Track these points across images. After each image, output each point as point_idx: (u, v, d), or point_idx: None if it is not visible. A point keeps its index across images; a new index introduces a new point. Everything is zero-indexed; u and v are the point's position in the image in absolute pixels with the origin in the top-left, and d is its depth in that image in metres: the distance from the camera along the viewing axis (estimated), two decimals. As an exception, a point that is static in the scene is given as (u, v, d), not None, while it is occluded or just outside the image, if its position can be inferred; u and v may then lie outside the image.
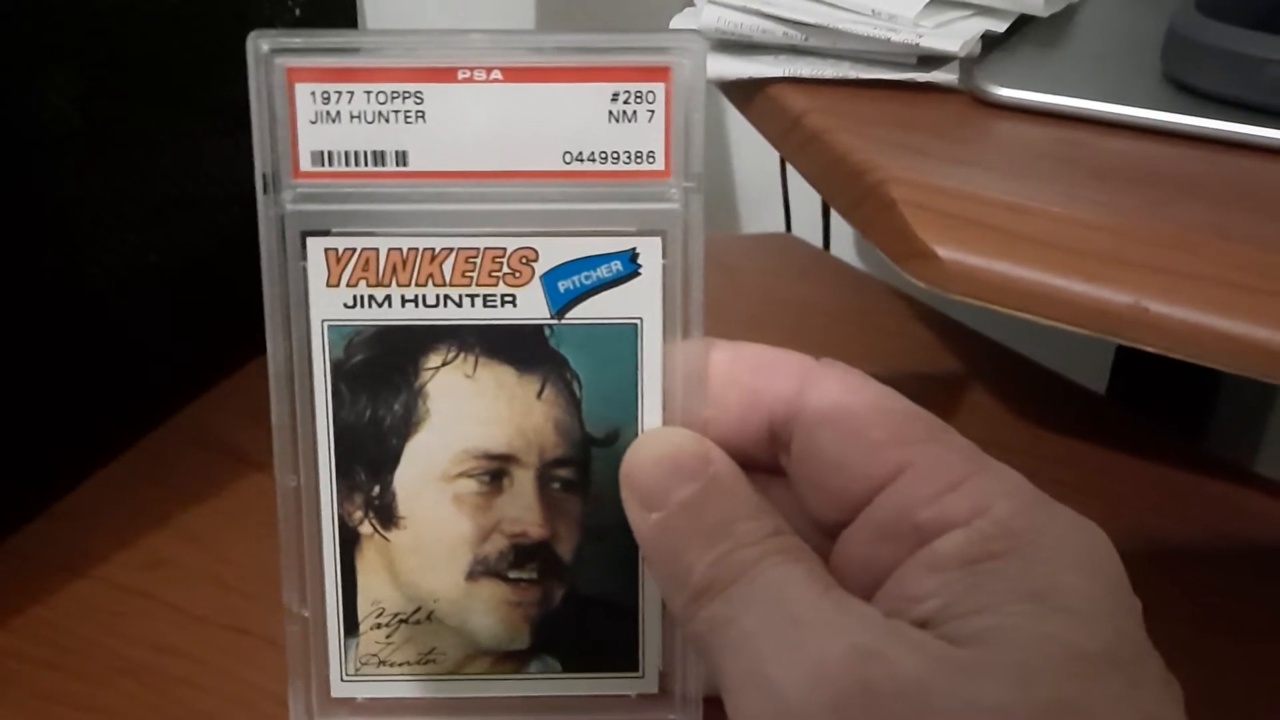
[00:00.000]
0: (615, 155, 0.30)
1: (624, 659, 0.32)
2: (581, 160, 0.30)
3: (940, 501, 0.28)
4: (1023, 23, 0.58)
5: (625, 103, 0.29)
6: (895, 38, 0.54)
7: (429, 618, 0.32)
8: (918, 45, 0.54)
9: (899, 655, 0.26)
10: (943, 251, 0.44)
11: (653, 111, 0.29)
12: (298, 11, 0.71)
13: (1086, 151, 0.50)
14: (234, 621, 0.60)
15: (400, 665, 0.32)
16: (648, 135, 0.29)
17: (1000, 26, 0.57)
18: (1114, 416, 0.77)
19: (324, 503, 0.31)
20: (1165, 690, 0.27)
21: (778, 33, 0.57)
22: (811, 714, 0.25)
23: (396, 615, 0.32)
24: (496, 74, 0.29)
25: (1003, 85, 0.53)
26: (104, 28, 0.62)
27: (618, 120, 0.29)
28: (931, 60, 0.55)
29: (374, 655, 0.32)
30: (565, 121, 0.29)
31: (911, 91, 0.55)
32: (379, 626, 0.32)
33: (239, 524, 0.65)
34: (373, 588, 0.32)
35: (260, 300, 0.30)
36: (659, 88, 0.29)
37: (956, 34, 0.54)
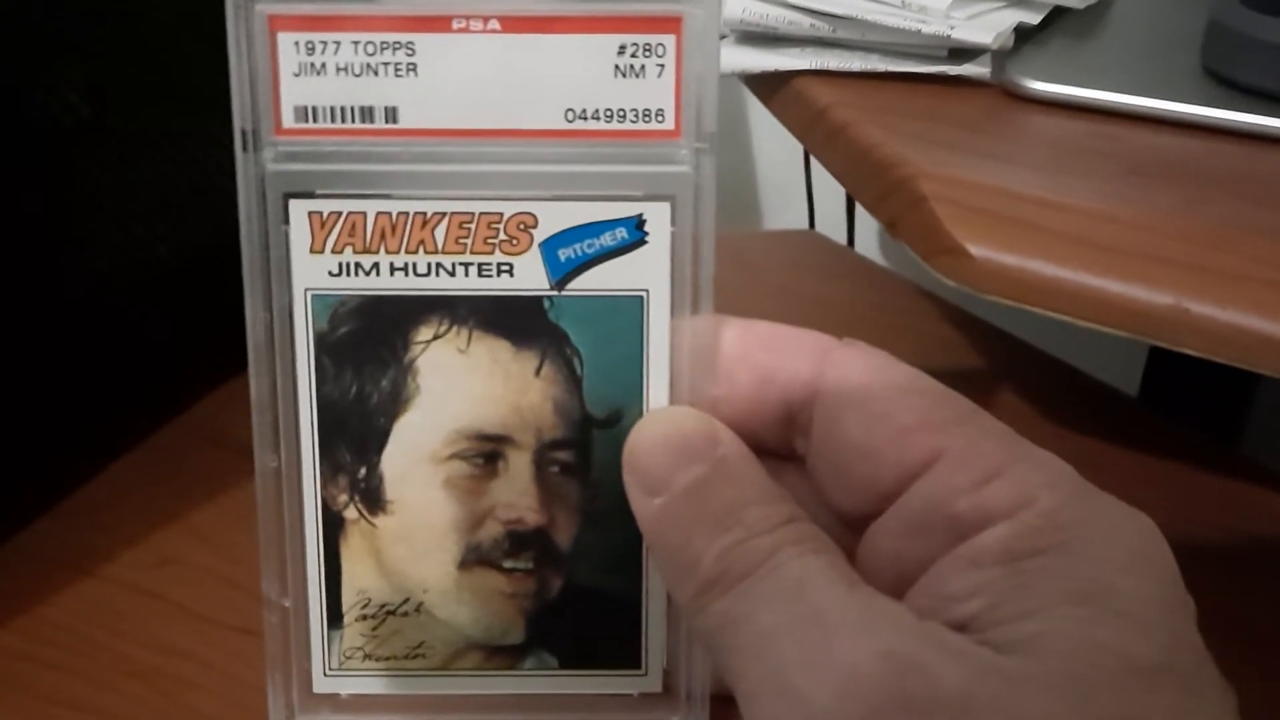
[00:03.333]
0: (621, 113, 0.28)
1: (625, 655, 0.30)
2: (585, 118, 0.28)
3: (980, 492, 0.26)
4: (1057, 14, 0.58)
5: (633, 56, 0.27)
6: (926, 29, 0.53)
7: (418, 609, 0.30)
8: (949, 37, 0.53)
9: (939, 664, 0.24)
10: (975, 249, 0.43)
11: (662, 66, 0.28)
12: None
13: (1123, 146, 0.49)
14: (242, 622, 0.59)
15: (386, 659, 0.30)
16: (657, 91, 0.28)
17: (1034, 18, 0.56)
18: (1146, 420, 0.76)
19: (306, 485, 0.30)
20: (1222, 700, 0.25)
21: (804, 24, 0.56)
22: None
23: (383, 606, 0.30)
24: (494, 24, 0.27)
25: (1036, 78, 0.52)
26: (113, 19, 0.62)
27: (624, 75, 0.28)
28: (963, 53, 0.54)
29: (359, 648, 0.30)
30: (568, 76, 0.28)
31: (941, 85, 0.54)
32: (364, 618, 0.30)
33: (249, 523, 0.64)
34: (358, 576, 0.30)
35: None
36: (669, 40, 0.27)
37: (989, 26, 0.54)
